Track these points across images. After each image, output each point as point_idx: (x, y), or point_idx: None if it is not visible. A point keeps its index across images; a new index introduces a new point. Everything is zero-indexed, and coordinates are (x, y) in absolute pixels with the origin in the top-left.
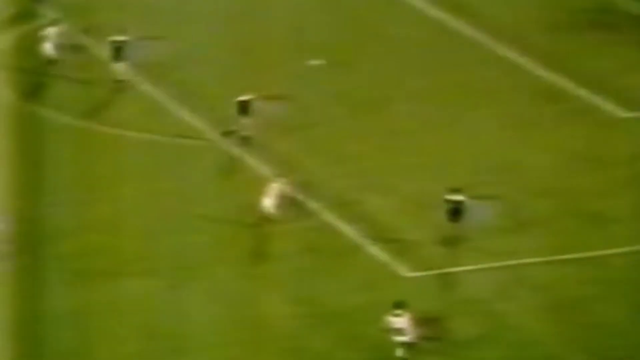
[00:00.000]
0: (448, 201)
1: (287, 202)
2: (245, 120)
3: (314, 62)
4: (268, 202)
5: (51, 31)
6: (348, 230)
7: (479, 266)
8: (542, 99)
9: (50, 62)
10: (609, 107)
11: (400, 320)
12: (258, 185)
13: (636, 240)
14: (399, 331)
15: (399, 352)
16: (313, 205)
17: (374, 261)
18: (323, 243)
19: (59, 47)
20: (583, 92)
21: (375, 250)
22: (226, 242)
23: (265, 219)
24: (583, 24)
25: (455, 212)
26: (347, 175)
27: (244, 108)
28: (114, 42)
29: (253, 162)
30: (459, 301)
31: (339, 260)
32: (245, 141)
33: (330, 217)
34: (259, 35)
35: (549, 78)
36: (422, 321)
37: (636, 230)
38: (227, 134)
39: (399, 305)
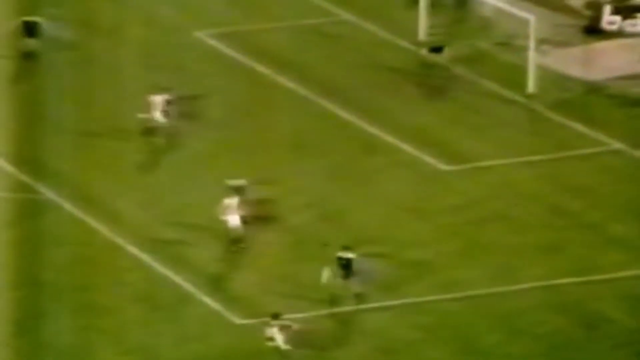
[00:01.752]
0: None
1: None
2: None
3: None
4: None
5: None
6: (179, 279)
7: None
8: (367, 152)
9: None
10: (431, 160)
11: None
12: None
13: (459, 287)
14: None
15: None
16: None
17: (205, 310)
18: (154, 293)
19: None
20: (406, 146)
21: (206, 299)
22: None
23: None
24: (406, 81)
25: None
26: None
27: None
28: None
29: None
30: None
31: (171, 310)
32: None
33: (160, 267)
34: None
35: (373, 132)
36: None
37: (460, 277)
38: None
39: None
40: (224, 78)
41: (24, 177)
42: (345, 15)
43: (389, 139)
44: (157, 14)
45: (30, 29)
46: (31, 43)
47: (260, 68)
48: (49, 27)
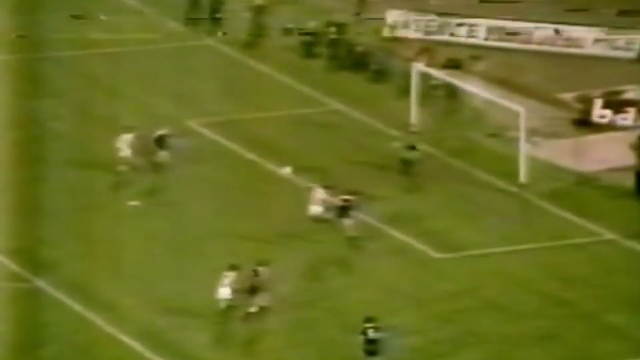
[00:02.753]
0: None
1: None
2: None
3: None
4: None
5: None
6: None
7: None
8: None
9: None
10: (424, 247)
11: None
12: None
13: None
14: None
15: None
16: None
17: None
18: None
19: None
20: (398, 234)
21: None
22: None
23: None
24: (398, 170)
25: None
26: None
27: None
28: None
29: None
30: None
31: None
32: None
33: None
34: None
35: (365, 219)
36: None
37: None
38: None
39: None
40: (214, 165)
41: (14, 266)
42: (337, 105)
43: (381, 226)
44: (150, 104)
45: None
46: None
47: (251, 155)
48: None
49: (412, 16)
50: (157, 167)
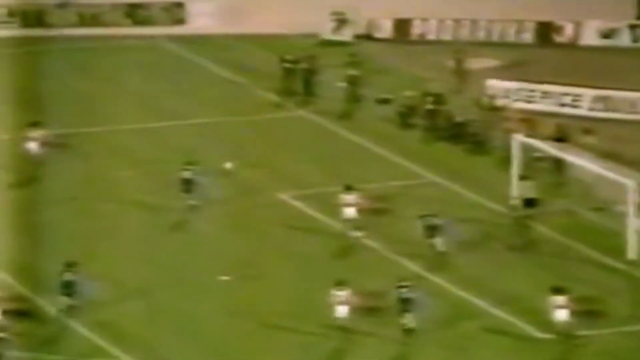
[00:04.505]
0: None
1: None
2: None
3: None
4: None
5: None
6: None
7: None
8: (459, 318)
9: None
10: (526, 326)
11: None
12: None
13: None
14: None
15: None
16: None
17: None
18: None
19: None
20: (499, 312)
21: None
22: None
23: None
24: (499, 244)
25: None
26: None
27: None
28: None
29: None
30: None
31: None
32: None
33: None
34: None
35: (463, 296)
36: None
37: None
38: None
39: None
40: (309, 238)
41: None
42: (434, 177)
43: (481, 303)
44: (242, 176)
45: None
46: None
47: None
48: None
49: (513, 85)
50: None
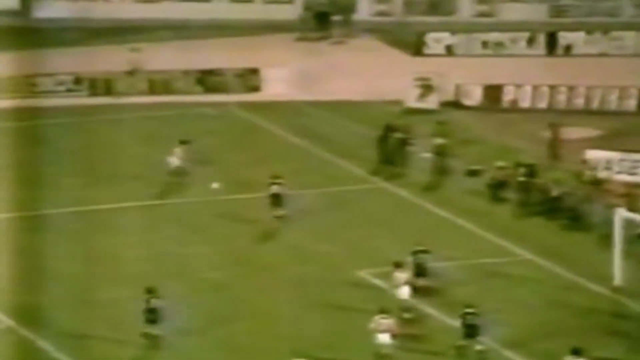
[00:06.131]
0: None
1: None
2: None
3: None
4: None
5: None
6: None
7: None
8: None
9: None
10: None
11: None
12: None
13: None
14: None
15: None
16: None
17: None
18: None
19: None
20: None
21: None
22: None
23: None
24: (600, 329)
25: None
26: None
27: None
28: None
29: None
30: None
31: None
32: None
33: None
34: None
35: None
36: None
37: None
38: None
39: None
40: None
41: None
42: (527, 255)
43: None
44: (320, 252)
45: None
46: None
47: (428, 309)
48: None
49: (615, 156)
50: None
